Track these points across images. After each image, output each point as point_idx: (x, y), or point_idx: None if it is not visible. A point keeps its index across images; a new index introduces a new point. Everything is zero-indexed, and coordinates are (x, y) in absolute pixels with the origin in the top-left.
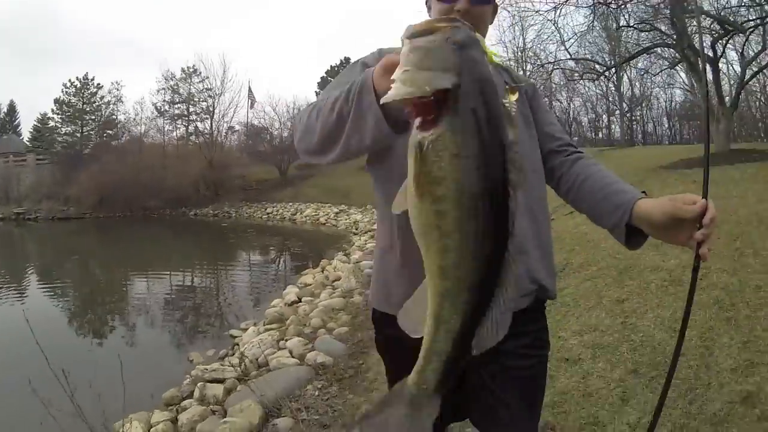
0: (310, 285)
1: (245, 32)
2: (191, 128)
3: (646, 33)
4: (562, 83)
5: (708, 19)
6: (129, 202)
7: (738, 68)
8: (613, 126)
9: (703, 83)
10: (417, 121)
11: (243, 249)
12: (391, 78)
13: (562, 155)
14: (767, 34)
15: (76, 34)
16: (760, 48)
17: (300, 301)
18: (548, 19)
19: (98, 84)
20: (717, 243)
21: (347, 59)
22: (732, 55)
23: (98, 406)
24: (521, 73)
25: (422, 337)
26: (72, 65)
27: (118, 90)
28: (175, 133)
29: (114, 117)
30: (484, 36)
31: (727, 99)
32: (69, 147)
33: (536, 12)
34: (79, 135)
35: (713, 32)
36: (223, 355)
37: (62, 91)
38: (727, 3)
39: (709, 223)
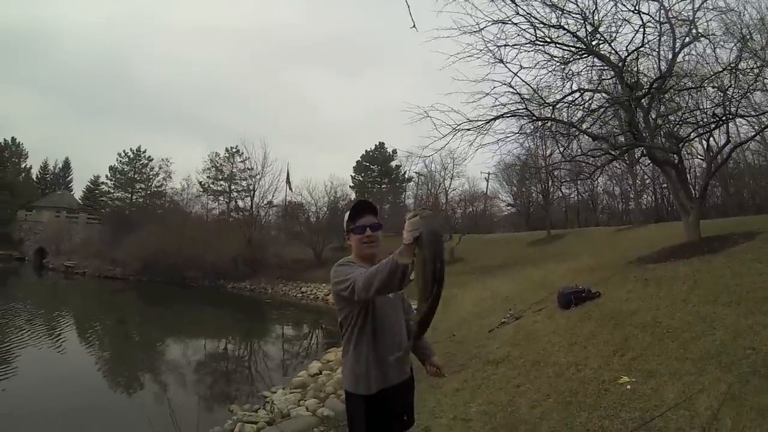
0: (332, 361)
1: (286, 112)
2: (232, 205)
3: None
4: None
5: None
6: (171, 270)
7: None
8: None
9: None
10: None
11: (279, 323)
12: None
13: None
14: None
15: (134, 96)
16: (724, 141)
17: (320, 374)
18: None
19: (149, 156)
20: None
21: (381, 143)
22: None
23: None
24: None
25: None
26: (123, 121)
27: (167, 166)
28: (216, 209)
29: (163, 190)
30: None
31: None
32: (118, 211)
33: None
34: (128, 201)
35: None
36: (256, 409)
37: (117, 160)
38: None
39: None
